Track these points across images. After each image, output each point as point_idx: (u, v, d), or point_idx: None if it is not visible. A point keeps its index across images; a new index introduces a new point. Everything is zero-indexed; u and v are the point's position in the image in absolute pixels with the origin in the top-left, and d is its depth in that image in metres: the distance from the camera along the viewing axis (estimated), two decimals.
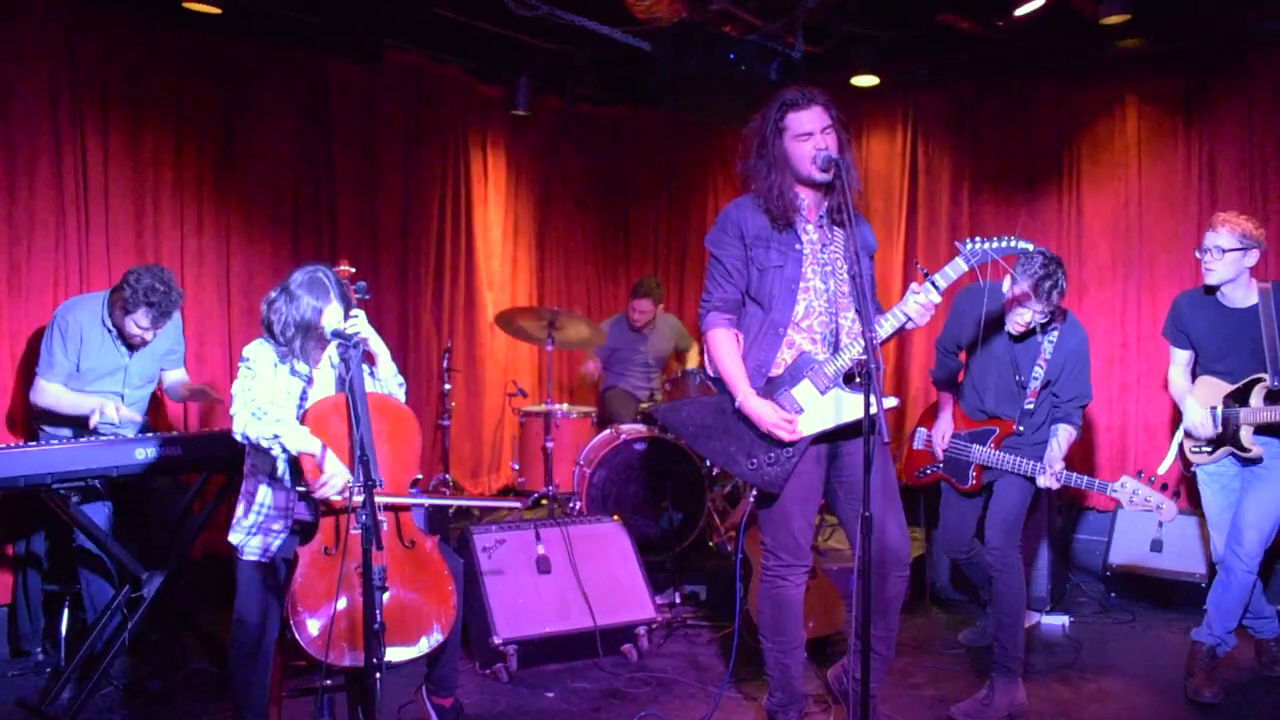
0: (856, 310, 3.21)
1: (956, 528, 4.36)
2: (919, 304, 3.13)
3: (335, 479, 3.03)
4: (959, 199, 6.47)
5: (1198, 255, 4.12)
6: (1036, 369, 3.99)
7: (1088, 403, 4.08)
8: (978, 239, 3.19)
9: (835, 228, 3.31)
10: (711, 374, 3.39)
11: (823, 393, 3.22)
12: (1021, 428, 4.02)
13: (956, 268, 3.16)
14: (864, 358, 2.90)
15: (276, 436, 3.06)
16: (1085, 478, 3.92)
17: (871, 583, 3.06)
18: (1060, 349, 3.97)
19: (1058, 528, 5.26)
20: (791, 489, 3.27)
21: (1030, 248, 3.28)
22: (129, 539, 4.14)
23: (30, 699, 3.92)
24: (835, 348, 3.26)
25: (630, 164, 7.93)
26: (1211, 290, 4.16)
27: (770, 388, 3.26)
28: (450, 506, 5.87)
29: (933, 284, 3.14)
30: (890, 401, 3.07)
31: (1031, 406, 4.02)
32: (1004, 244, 3.20)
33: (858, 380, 3.21)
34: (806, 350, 3.25)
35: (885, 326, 3.18)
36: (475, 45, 6.27)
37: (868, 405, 2.85)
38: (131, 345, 4.22)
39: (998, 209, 6.33)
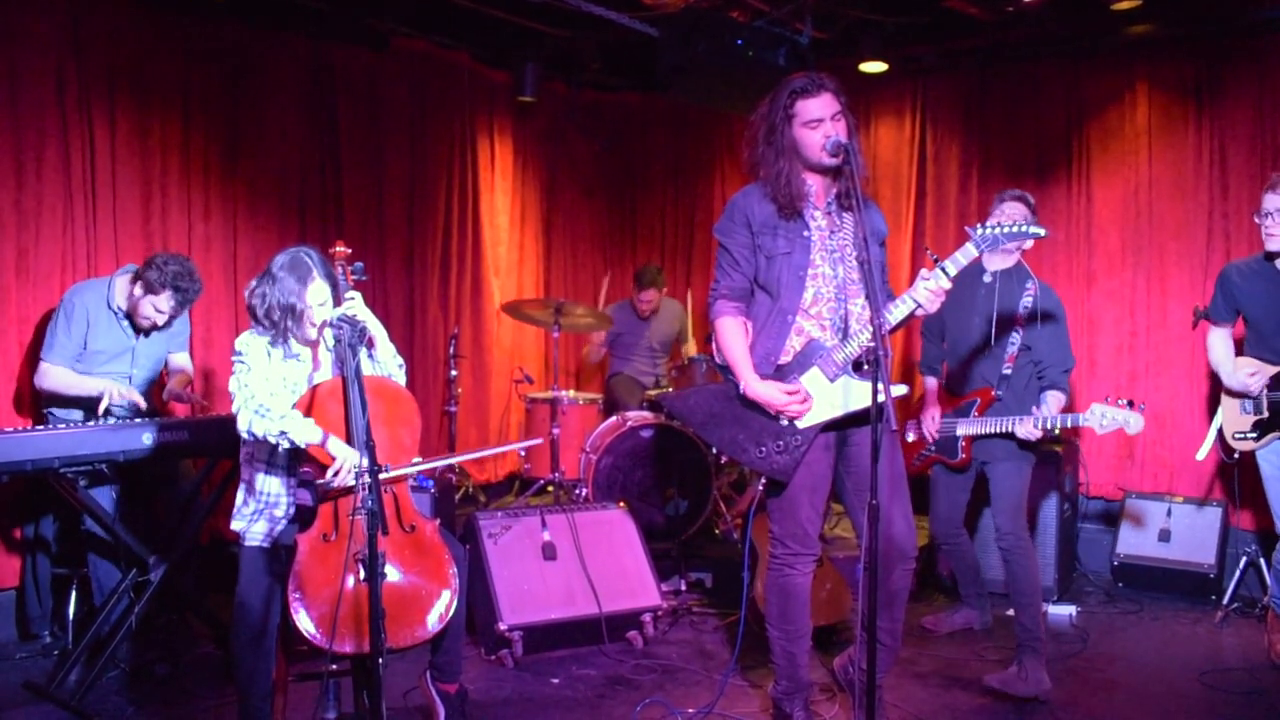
0: (866, 297, 3.20)
1: (948, 508, 4.47)
2: (929, 290, 3.12)
3: (347, 464, 3.03)
4: (968, 186, 6.43)
5: (1256, 220, 4.04)
6: (1013, 334, 4.11)
7: (1071, 367, 4.20)
8: (988, 224, 3.18)
9: (844, 214, 3.30)
10: (719, 361, 3.38)
11: (831, 380, 3.21)
12: (1000, 393, 4.14)
13: (967, 253, 3.15)
14: (873, 345, 2.89)
15: (284, 433, 3.05)
16: (1057, 416, 4.01)
17: (877, 575, 3.08)
18: (1035, 313, 4.08)
19: (1065, 517, 5.25)
20: (800, 478, 3.26)
21: (1042, 232, 3.27)
22: (136, 523, 4.16)
23: (38, 681, 3.94)
24: (844, 335, 3.24)
25: (637, 151, 7.90)
26: (1271, 256, 4.07)
27: (779, 375, 3.25)
28: (455, 491, 5.87)
29: (943, 270, 3.12)
30: (899, 389, 3.06)
31: (1009, 372, 4.14)
32: (1014, 228, 3.19)
33: (866, 368, 3.20)
34: (815, 337, 3.24)
35: (895, 313, 3.16)
36: (482, 31, 6.24)
37: (876, 393, 2.84)
38: (138, 329, 4.23)
39: None
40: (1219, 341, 4.33)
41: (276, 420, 3.06)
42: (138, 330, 4.25)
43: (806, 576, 3.38)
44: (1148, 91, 5.81)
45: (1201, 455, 4.55)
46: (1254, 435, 4.17)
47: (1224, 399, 4.40)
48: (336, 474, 3.04)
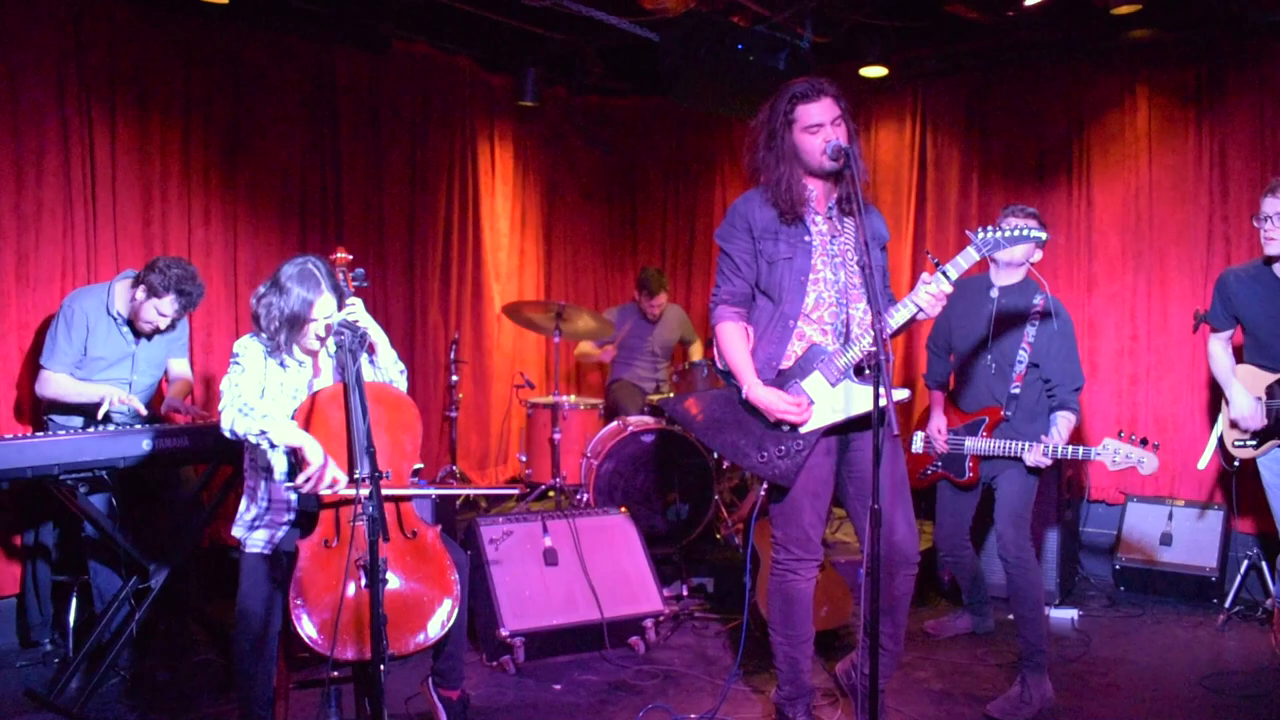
0: (867, 301, 3.20)
1: (952, 524, 4.44)
2: (930, 294, 3.11)
3: (320, 470, 3.01)
4: (968, 190, 6.43)
5: (1255, 224, 4.01)
6: (1021, 351, 4.05)
7: (1081, 385, 4.10)
8: (989, 228, 3.17)
9: (845, 218, 3.30)
10: (721, 367, 3.38)
11: (833, 385, 3.21)
12: (1009, 412, 4.08)
13: (968, 257, 3.14)
14: (875, 349, 2.89)
15: (264, 432, 3.04)
16: (1070, 446, 3.94)
17: (880, 580, 3.08)
18: (1044, 330, 4.01)
19: (1066, 521, 5.24)
20: (802, 482, 3.25)
21: (1043, 235, 3.26)
22: (136, 530, 4.15)
23: (39, 689, 3.93)
24: (846, 339, 3.24)
25: (638, 155, 7.90)
26: (1270, 260, 4.04)
27: (780, 380, 3.25)
28: (456, 497, 5.86)
29: (944, 274, 3.12)
30: (901, 394, 3.05)
31: (1018, 391, 4.07)
32: (1014, 232, 3.18)
33: (868, 372, 3.19)
34: (817, 342, 3.24)
35: (897, 317, 3.16)
36: (483, 36, 6.25)
37: (877, 397, 2.83)
38: (138, 333, 4.23)
39: (1007, 200, 6.23)
40: (1220, 353, 4.30)
41: (258, 419, 3.05)
42: (138, 335, 4.24)
43: (810, 582, 3.37)
44: (1148, 96, 5.81)
45: (1203, 464, 4.51)
46: (1254, 443, 4.16)
47: (1224, 407, 4.39)
48: (310, 482, 3.00)
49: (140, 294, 4.11)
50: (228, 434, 3.10)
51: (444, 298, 6.63)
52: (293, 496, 3.19)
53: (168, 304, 4.10)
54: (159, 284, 4.05)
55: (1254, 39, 5.46)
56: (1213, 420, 4.62)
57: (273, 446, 3.08)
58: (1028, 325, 4.04)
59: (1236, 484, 4.72)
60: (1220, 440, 4.34)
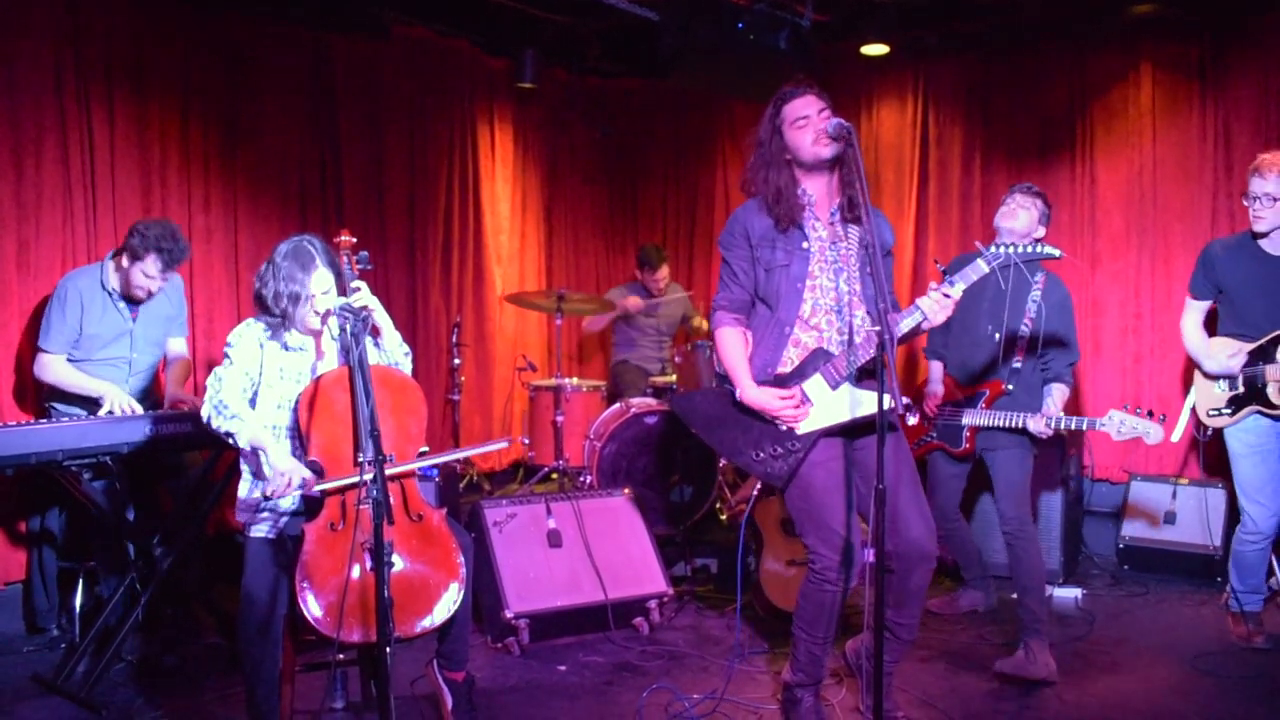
0: (868, 309, 3.20)
1: (945, 497, 4.45)
2: (936, 302, 3.11)
3: (281, 479, 2.99)
4: (970, 169, 6.40)
5: (1245, 203, 4.04)
6: (1023, 325, 4.08)
7: (1076, 360, 4.16)
8: (997, 244, 3.22)
9: (848, 225, 3.28)
10: (719, 371, 3.39)
11: (833, 388, 3.20)
12: (1011, 386, 4.11)
13: (977, 269, 3.17)
14: (879, 349, 2.88)
15: (230, 434, 3.09)
16: (1074, 418, 3.96)
17: (896, 574, 3.13)
18: (1044, 304, 4.06)
19: (1070, 500, 5.24)
20: (822, 479, 3.22)
21: (1056, 253, 3.26)
22: (141, 516, 4.15)
23: (46, 674, 3.94)
24: (848, 345, 3.23)
25: (638, 137, 7.87)
26: (1257, 235, 4.06)
27: (778, 384, 3.24)
28: (459, 479, 5.87)
29: (950, 283, 3.12)
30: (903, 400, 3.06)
31: (1019, 365, 4.10)
32: (1026, 248, 3.21)
33: (868, 380, 3.19)
34: (815, 348, 3.23)
35: (901, 325, 3.15)
36: (482, 18, 6.22)
37: (881, 381, 2.83)
38: (134, 301, 4.21)
39: (1010, 179, 6.24)
40: (1193, 324, 4.31)
41: (227, 419, 3.10)
42: (135, 303, 4.24)
43: (847, 594, 3.25)
44: (1152, 72, 5.78)
45: (1176, 437, 4.52)
46: (1229, 411, 4.16)
47: (1198, 377, 4.37)
48: (270, 485, 3.00)
49: (125, 261, 4.12)
50: (205, 422, 3.16)
51: (445, 281, 6.62)
52: (259, 495, 3.21)
53: (150, 265, 4.10)
54: (139, 245, 4.07)
55: (1257, 14, 5.42)
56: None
57: (238, 448, 3.13)
58: (1029, 299, 4.07)
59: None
60: (1194, 410, 4.35)
